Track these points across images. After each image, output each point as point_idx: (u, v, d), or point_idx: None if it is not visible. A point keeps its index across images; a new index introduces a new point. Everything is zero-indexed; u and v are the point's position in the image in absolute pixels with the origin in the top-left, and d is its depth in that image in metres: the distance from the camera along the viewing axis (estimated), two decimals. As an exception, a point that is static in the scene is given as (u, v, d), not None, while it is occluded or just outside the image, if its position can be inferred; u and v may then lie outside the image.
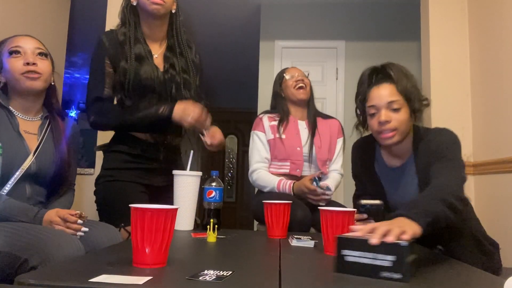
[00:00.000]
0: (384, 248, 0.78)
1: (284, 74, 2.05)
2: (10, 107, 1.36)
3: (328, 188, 1.81)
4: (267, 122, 2.01)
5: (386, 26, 3.66)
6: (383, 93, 1.31)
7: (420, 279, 0.81)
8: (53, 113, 1.46)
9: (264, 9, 3.79)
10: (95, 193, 1.63)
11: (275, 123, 2.00)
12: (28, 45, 1.36)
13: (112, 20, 2.71)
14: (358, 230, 0.85)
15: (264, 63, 3.75)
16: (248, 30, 4.12)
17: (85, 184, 2.26)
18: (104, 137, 2.52)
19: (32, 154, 1.33)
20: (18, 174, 1.29)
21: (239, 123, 6.93)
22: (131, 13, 1.62)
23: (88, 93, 1.57)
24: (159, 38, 1.66)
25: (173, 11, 1.64)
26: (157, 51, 1.65)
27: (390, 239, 0.79)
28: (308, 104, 2.06)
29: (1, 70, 1.35)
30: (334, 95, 3.65)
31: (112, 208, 1.56)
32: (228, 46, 4.56)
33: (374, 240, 0.78)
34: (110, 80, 1.57)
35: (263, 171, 1.96)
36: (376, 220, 1.12)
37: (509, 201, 2.01)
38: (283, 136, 1.96)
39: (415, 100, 1.33)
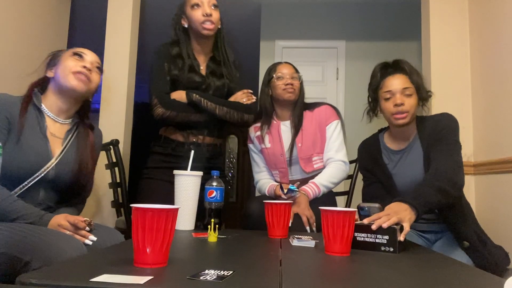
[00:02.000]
0: (381, 230, 1.11)
1: (274, 75, 1.93)
2: (42, 105, 1.38)
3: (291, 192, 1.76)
4: (253, 133, 1.98)
5: (387, 26, 3.67)
6: (398, 81, 1.52)
7: (420, 278, 0.81)
8: (83, 123, 1.49)
9: (264, 9, 3.79)
10: (137, 188, 1.81)
11: (260, 133, 1.95)
12: (91, 56, 1.43)
13: (112, 20, 2.73)
14: (367, 219, 1.17)
15: (264, 63, 3.75)
16: (248, 30, 4.12)
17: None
18: (104, 136, 2.53)
19: (54, 159, 1.34)
20: (34, 177, 1.29)
21: (240, 123, 6.92)
22: (182, 33, 1.82)
23: (154, 89, 1.72)
24: (206, 52, 1.87)
25: (219, 26, 1.84)
26: (203, 63, 1.86)
27: (384, 225, 1.10)
28: (296, 103, 1.93)
29: (53, 67, 1.40)
30: (334, 95, 3.65)
31: (140, 203, 1.63)
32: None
33: (374, 226, 1.11)
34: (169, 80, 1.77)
35: (262, 180, 1.97)
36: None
37: (509, 201, 2.01)
38: (268, 145, 1.92)
39: (423, 91, 1.55)
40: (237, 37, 4.40)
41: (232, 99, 1.83)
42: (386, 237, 1.10)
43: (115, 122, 2.59)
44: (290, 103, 1.92)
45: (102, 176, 2.36)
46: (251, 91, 1.86)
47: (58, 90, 1.39)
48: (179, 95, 1.73)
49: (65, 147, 1.38)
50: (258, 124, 1.97)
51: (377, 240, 1.11)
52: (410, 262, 1.01)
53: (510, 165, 2.00)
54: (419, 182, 1.37)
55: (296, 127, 1.89)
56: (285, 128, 1.93)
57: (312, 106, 1.96)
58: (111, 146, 2.22)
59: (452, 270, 0.91)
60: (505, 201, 2.05)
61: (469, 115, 2.43)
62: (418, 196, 1.26)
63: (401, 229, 1.14)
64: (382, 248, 1.10)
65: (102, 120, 2.60)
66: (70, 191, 1.42)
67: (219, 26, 1.84)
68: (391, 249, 1.09)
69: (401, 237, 1.10)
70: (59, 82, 1.38)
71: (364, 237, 1.13)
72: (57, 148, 1.37)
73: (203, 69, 1.85)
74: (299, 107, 1.92)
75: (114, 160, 2.22)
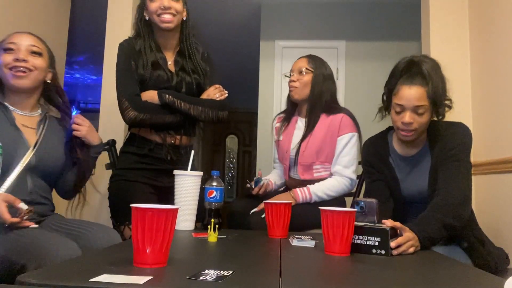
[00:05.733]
0: (373, 232, 1.07)
1: (290, 72, 1.91)
2: (5, 102, 1.37)
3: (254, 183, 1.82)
4: (275, 123, 2.03)
5: (386, 26, 3.66)
6: (413, 96, 1.34)
7: (420, 278, 0.81)
8: (60, 109, 1.49)
9: (264, 9, 3.79)
10: (108, 190, 1.71)
11: (279, 123, 1.99)
12: (22, 42, 1.36)
13: (112, 20, 2.73)
14: (394, 243, 1.09)
15: (264, 63, 3.75)
16: (248, 30, 4.12)
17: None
18: (104, 136, 2.53)
19: (32, 147, 1.33)
20: (19, 168, 1.28)
21: (239, 123, 6.93)
22: (144, 26, 1.69)
23: (123, 91, 1.62)
24: (173, 46, 1.74)
25: (184, 18, 1.71)
26: (171, 58, 1.74)
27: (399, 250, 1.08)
28: (309, 101, 1.84)
29: None
30: (334, 95, 3.65)
31: (119, 206, 1.63)
32: (228, 46, 4.56)
33: (395, 252, 1.07)
34: (137, 79, 1.65)
35: (272, 171, 2.05)
36: (371, 216, 1.19)
37: (509, 201, 2.01)
38: (281, 138, 1.94)
39: (440, 105, 1.39)
40: (237, 37, 4.41)
41: (204, 96, 1.73)
42: (378, 239, 1.06)
43: (115, 122, 2.59)
44: (300, 101, 1.86)
45: (102, 176, 2.36)
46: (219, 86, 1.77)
47: (8, 88, 1.38)
48: (150, 96, 1.63)
49: (40, 135, 1.38)
50: (282, 114, 2.01)
51: (368, 242, 1.07)
52: (410, 262, 1.01)
53: (510, 165, 2.00)
54: (427, 212, 1.30)
55: (306, 130, 1.82)
56: (300, 124, 1.90)
57: (331, 110, 1.82)
58: (109, 146, 2.20)
59: (452, 270, 0.91)
60: (505, 201, 2.04)
61: (469, 115, 2.43)
62: (423, 229, 1.20)
63: (395, 234, 1.12)
64: (374, 251, 1.06)
65: (102, 120, 2.60)
66: (57, 179, 1.44)
67: (184, 18, 1.71)
68: (383, 252, 1.05)
69: (392, 243, 1.07)
70: (4, 82, 1.38)
71: (355, 239, 1.08)
72: (32, 137, 1.36)
73: (171, 64, 1.73)
74: (313, 106, 1.82)
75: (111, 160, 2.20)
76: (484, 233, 1.49)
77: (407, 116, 1.35)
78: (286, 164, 1.89)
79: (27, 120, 1.40)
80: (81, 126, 1.47)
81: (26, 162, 1.30)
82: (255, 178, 1.83)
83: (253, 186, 1.81)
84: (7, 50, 1.35)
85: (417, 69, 1.38)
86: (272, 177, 1.98)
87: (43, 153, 1.36)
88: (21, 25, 2.42)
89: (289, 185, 1.95)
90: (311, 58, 1.87)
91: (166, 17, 1.61)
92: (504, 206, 2.05)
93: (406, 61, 1.41)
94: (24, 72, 1.34)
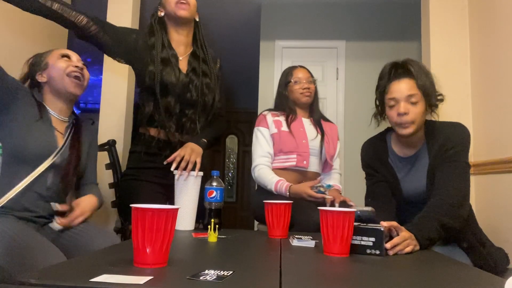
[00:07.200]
0: (367, 232, 1.05)
1: (291, 79, 2.04)
2: (45, 104, 1.45)
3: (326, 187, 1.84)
4: (271, 117, 2.05)
5: (387, 26, 3.67)
6: (403, 87, 1.41)
7: (420, 279, 0.81)
8: (78, 118, 1.57)
9: (264, 9, 3.79)
10: (118, 189, 1.76)
11: (279, 118, 2.03)
12: (75, 55, 1.53)
13: (112, 20, 2.72)
14: (389, 244, 1.09)
15: (264, 63, 3.75)
16: (248, 30, 4.12)
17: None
18: (104, 136, 2.53)
19: (61, 146, 1.42)
20: (44, 164, 1.36)
21: (239, 123, 6.93)
22: (158, 24, 1.74)
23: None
24: (185, 43, 1.77)
25: (197, 19, 1.77)
26: (182, 55, 1.75)
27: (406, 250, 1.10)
28: (312, 105, 2.11)
29: (44, 70, 1.45)
30: (334, 95, 3.65)
31: (127, 206, 1.62)
32: (228, 46, 4.57)
33: (391, 252, 1.07)
34: (106, 29, 1.75)
35: (265, 167, 1.95)
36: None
37: (509, 201, 2.01)
38: (287, 129, 1.99)
39: (432, 96, 1.43)
40: (237, 37, 4.41)
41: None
42: (372, 239, 1.04)
43: (115, 122, 2.59)
44: (307, 105, 2.09)
45: (103, 176, 2.36)
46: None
47: (57, 94, 1.45)
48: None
49: (66, 139, 1.46)
50: (275, 112, 2.09)
51: (362, 243, 1.05)
52: (410, 262, 1.01)
53: (510, 165, 2.00)
54: (424, 212, 1.30)
55: (320, 126, 2.07)
56: (306, 124, 2.06)
57: (324, 117, 2.16)
58: (109, 146, 2.20)
59: (452, 270, 0.91)
60: (505, 201, 2.05)
61: (469, 115, 2.43)
62: (421, 228, 1.20)
63: (391, 236, 1.12)
64: (368, 251, 1.05)
65: (102, 121, 2.60)
66: (72, 181, 1.49)
67: (197, 19, 1.77)
68: (377, 252, 1.04)
69: (388, 245, 1.06)
70: (55, 86, 1.44)
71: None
72: (60, 140, 1.44)
73: (182, 60, 1.74)
74: (317, 108, 2.12)
75: (110, 160, 2.20)
76: (484, 233, 1.49)
77: (402, 107, 1.39)
78: (306, 152, 1.95)
79: (59, 123, 1.47)
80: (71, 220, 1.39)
81: (52, 160, 1.37)
82: (325, 185, 1.83)
83: (327, 194, 1.77)
84: (64, 57, 1.48)
85: (403, 69, 1.45)
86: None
87: (66, 157, 1.43)
88: (20, 25, 2.42)
89: (291, 180, 1.91)
90: (307, 69, 2.13)
91: (183, 5, 1.67)
92: (504, 206, 2.05)
93: (392, 63, 1.48)
94: (80, 81, 1.47)
